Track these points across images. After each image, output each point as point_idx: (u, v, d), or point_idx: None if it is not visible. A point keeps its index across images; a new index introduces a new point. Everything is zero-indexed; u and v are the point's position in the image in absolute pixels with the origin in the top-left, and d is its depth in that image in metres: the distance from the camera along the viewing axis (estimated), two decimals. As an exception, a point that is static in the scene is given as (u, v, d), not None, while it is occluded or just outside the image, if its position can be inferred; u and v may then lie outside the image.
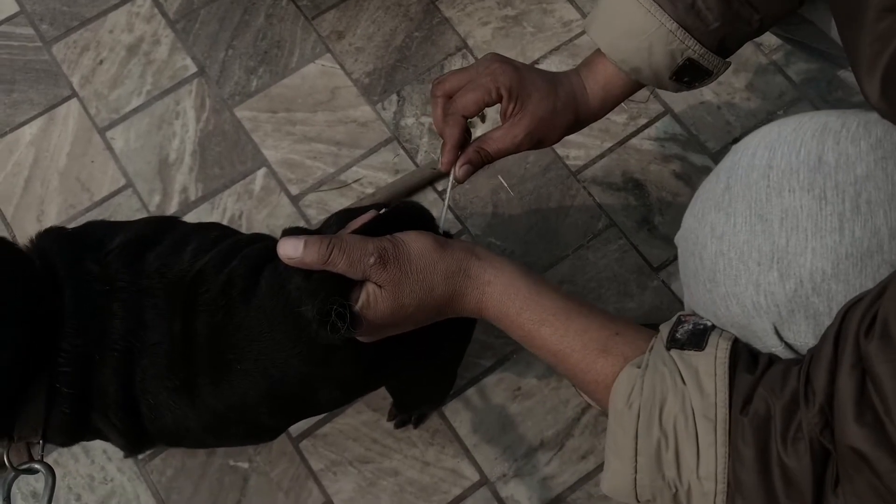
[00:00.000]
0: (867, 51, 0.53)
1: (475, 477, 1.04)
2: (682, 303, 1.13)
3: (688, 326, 0.59)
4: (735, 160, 0.57)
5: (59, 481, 1.05)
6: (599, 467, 1.04)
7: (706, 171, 1.18)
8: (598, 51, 0.81)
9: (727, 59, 0.80)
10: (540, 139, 0.78)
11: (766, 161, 0.54)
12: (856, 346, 0.47)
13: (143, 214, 1.18)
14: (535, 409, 1.07)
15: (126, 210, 1.18)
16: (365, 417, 1.07)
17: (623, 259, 1.14)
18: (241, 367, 0.66)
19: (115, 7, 1.30)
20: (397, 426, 1.06)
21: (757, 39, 1.26)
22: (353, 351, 0.67)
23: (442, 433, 1.06)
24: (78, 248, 0.65)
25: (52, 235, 0.67)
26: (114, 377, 0.63)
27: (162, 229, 0.70)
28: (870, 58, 0.52)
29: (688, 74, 0.79)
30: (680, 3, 0.74)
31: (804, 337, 0.54)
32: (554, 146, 1.20)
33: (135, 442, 0.68)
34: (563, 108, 0.78)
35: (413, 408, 1.04)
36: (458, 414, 1.07)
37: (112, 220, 1.16)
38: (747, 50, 1.23)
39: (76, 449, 1.07)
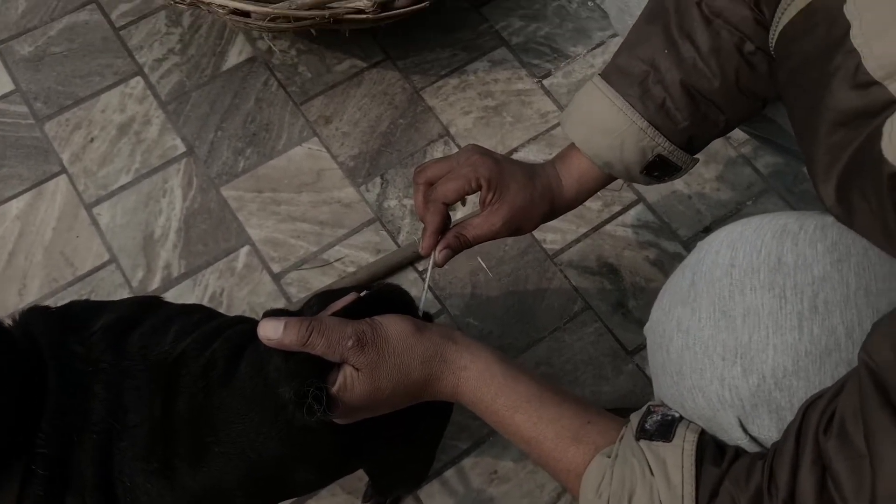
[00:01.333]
0: (822, 160, 0.57)
1: (450, 562, 1.03)
2: (656, 387, 1.15)
3: (657, 417, 0.60)
4: (700, 257, 0.60)
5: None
6: (575, 554, 1.04)
7: (678, 258, 1.22)
8: (573, 145, 0.85)
9: (695, 156, 0.85)
10: (517, 227, 0.81)
11: (729, 259, 0.57)
12: (815, 444, 0.49)
13: (125, 290, 1.19)
14: (512, 493, 1.07)
15: (108, 285, 1.20)
16: (339, 500, 1.06)
17: (598, 342, 1.16)
18: (219, 449, 0.66)
19: (109, 88, 1.34)
20: (373, 506, 1.05)
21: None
22: (330, 433, 0.68)
23: (417, 517, 1.06)
24: (62, 327, 0.66)
25: (37, 314, 0.68)
26: (92, 459, 0.63)
27: (145, 310, 0.71)
28: (824, 166, 0.56)
29: (658, 169, 0.83)
30: (650, 103, 0.79)
31: (768, 431, 0.56)
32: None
33: None
34: (539, 198, 0.82)
35: (390, 490, 1.04)
36: (433, 498, 1.07)
37: (94, 295, 1.19)
38: (717, 143, 1.29)
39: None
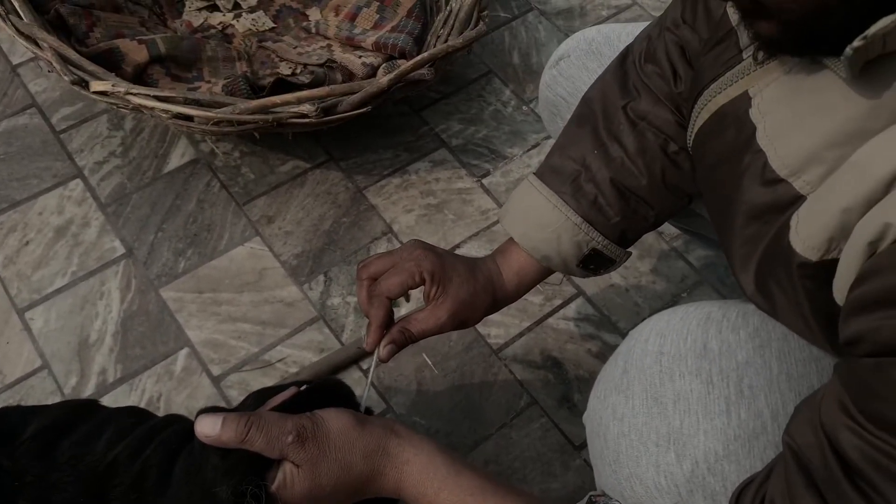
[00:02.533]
0: (739, 251, 0.60)
1: None
2: (604, 481, 1.14)
3: (598, 508, 0.60)
4: (630, 346, 0.61)
5: None
6: None
7: (620, 349, 1.23)
8: (511, 239, 0.87)
9: (628, 249, 0.88)
10: (462, 320, 0.82)
11: (658, 347, 0.59)
12: None
13: (57, 397, 1.15)
14: None
15: (39, 392, 1.15)
16: None
17: (545, 437, 1.16)
18: None
19: (47, 190, 1.34)
20: None
21: (659, 228, 1.38)
22: None
23: None
24: None
25: None
26: None
27: (78, 416, 0.69)
28: (742, 258, 0.59)
29: (593, 262, 0.86)
30: (583, 199, 0.82)
31: (705, 517, 0.56)
32: (476, 325, 1.24)
33: None
34: (482, 291, 0.83)
35: None
36: None
37: (23, 402, 1.14)
38: (650, 238, 1.34)
39: None
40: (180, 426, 0.69)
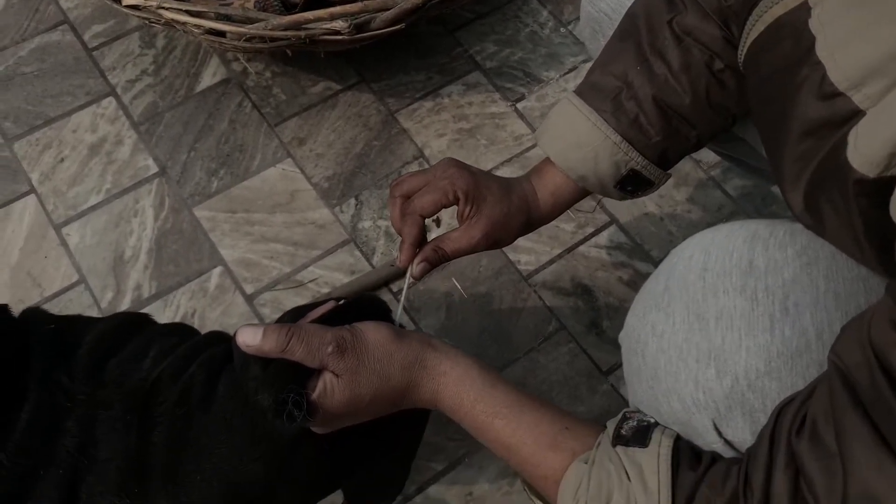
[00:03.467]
0: (790, 169, 0.58)
1: (424, 586, 1.01)
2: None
3: (632, 423, 0.60)
4: (673, 263, 0.61)
5: None
6: (551, 576, 1.02)
7: (651, 278, 1.23)
8: (548, 159, 0.86)
9: (668, 171, 0.86)
10: (496, 240, 0.81)
11: (702, 264, 0.58)
12: (788, 446, 0.49)
13: (94, 311, 1.17)
14: (487, 515, 1.06)
15: (77, 306, 1.17)
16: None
17: (573, 362, 1.16)
18: (200, 477, 0.64)
19: (81, 108, 1.33)
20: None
21: (696, 156, 1.35)
22: (314, 448, 0.67)
23: (391, 540, 1.04)
24: (55, 350, 0.64)
25: (37, 321, 0.66)
26: (55, 493, 0.61)
27: (129, 331, 0.70)
28: (792, 176, 0.58)
29: (631, 184, 0.84)
30: (623, 118, 0.80)
31: (742, 433, 0.56)
32: (506, 251, 1.24)
33: None
34: (516, 211, 0.82)
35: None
36: (408, 519, 1.05)
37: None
38: (687, 165, 1.31)
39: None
40: (222, 347, 0.69)
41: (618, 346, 1.18)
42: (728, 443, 0.56)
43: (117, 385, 0.64)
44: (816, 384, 0.50)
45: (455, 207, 0.82)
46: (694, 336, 0.56)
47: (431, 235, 0.89)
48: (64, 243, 1.22)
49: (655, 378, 0.58)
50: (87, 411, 0.63)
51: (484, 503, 1.07)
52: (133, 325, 0.71)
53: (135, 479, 0.63)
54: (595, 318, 1.19)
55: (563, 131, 0.83)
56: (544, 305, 1.20)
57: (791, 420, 0.50)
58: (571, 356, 1.17)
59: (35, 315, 0.68)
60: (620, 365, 1.18)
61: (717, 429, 0.56)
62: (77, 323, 0.69)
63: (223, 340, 0.72)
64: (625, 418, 0.61)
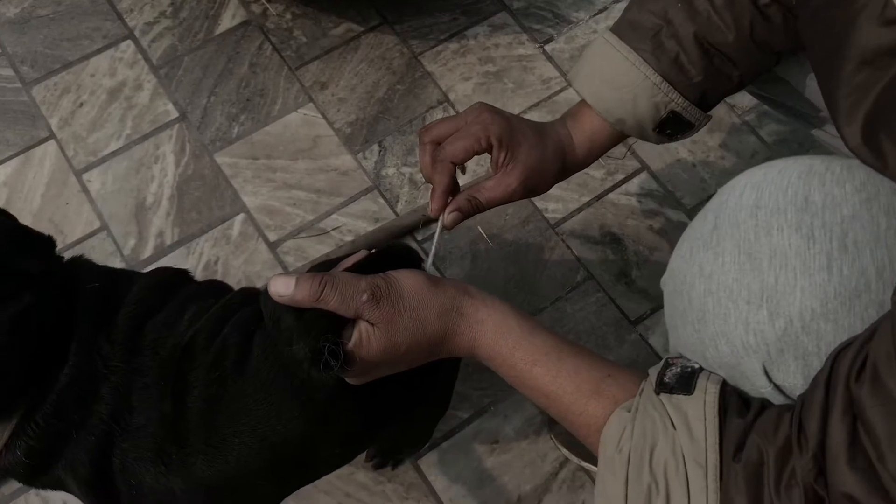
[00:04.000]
0: (845, 101, 0.54)
1: (451, 533, 1.01)
2: (659, 356, 1.13)
3: (675, 370, 0.58)
4: (723, 200, 0.58)
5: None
6: (578, 524, 1.02)
7: (682, 226, 1.20)
8: (584, 101, 0.82)
9: (708, 113, 0.82)
10: (532, 188, 0.78)
11: (754, 201, 0.55)
12: (846, 391, 0.47)
13: (116, 258, 1.16)
14: (513, 463, 1.05)
15: (100, 253, 1.16)
16: (338, 470, 1.04)
17: (601, 312, 1.14)
18: (239, 440, 0.64)
19: (99, 52, 1.31)
20: (375, 467, 1.03)
21: (730, 100, 1.30)
22: (352, 401, 0.66)
23: (417, 487, 1.03)
24: (98, 312, 0.64)
25: (84, 282, 0.64)
26: (86, 458, 0.61)
27: (167, 291, 0.69)
28: (848, 108, 0.54)
29: (670, 126, 0.81)
30: (664, 57, 0.76)
31: (793, 378, 0.54)
32: (532, 199, 1.21)
33: None
34: (552, 156, 0.79)
35: (395, 452, 1.02)
36: (433, 467, 1.05)
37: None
38: (721, 110, 1.27)
39: (34, 500, 1.02)
40: (255, 306, 0.68)
41: (647, 296, 1.17)
42: (778, 388, 0.54)
43: (152, 351, 0.64)
44: (877, 326, 0.47)
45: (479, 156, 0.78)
46: (745, 276, 0.53)
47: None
48: (85, 189, 1.21)
49: (702, 321, 0.56)
50: (123, 378, 0.62)
51: (509, 451, 1.06)
52: (170, 284, 0.70)
53: (171, 445, 0.63)
54: (624, 268, 1.17)
55: (600, 72, 0.80)
56: (572, 254, 1.18)
57: (850, 364, 0.47)
58: (599, 306, 1.15)
59: (82, 268, 0.67)
60: (649, 315, 1.16)
61: (766, 373, 0.54)
62: (119, 281, 0.68)
63: (255, 298, 0.70)
64: (667, 365, 0.59)
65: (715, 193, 0.61)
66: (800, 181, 0.54)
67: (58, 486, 0.65)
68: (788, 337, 0.52)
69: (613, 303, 1.15)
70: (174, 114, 1.26)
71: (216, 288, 0.73)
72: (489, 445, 1.06)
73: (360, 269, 0.64)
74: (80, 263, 0.68)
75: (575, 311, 1.14)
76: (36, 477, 0.64)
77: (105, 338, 0.62)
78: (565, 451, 1.05)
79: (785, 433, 0.50)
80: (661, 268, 1.17)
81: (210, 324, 0.65)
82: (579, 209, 1.21)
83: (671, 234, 1.19)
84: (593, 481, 1.04)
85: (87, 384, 0.61)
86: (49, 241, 0.66)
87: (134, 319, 0.64)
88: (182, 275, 0.74)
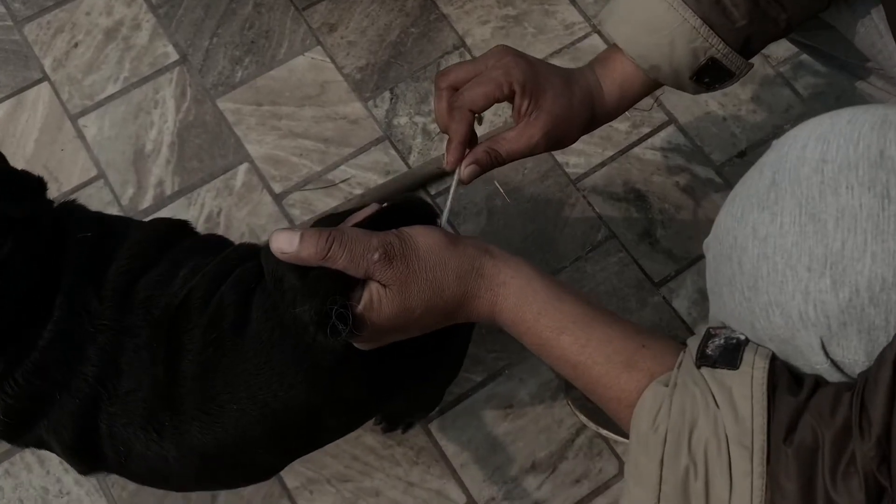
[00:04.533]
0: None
1: (462, 499, 0.98)
2: (682, 320, 1.08)
3: (719, 341, 0.53)
4: (782, 153, 0.51)
5: (10, 493, 0.97)
6: (594, 493, 0.98)
7: (710, 183, 1.13)
8: (615, 46, 0.76)
9: (750, 61, 0.76)
10: (557, 139, 0.72)
11: (820, 154, 0.49)
12: None
13: (114, 208, 1.11)
14: (527, 429, 1.01)
15: (97, 202, 1.11)
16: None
17: (623, 273, 1.09)
18: (237, 406, 0.60)
19: (94, -11, 1.23)
20: (385, 430, 0.99)
21: (765, 50, 1.22)
22: (359, 367, 0.61)
23: (427, 451, 1.00)
24: (88, 264, 0.59)
25: (74, 231, 0.59)
26: (70, 421, 0.57)
27: (164, 244, 0.64)
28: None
29: (709, 75, 0.74)
30: (704, -3, 0.70)
31: (854, 353, 0.48)
32: (553, 152, 1.15)
33: (89, 470, 0.61)
34: (579, 105, 0.73)
35: (404, 416, 0.98)
36: (444, 432, 1.01)
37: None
38: (754, 61, 1.19)
39: (30, 458, 0.98)
40: (254, 263, 0.62)
41: (671, 257, 1.12)
42: (835, 364, 0.49)
43: (144, 310, 0.59)
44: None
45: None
46: (807, 240, 0.48)
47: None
48: (81, 135, 1.15)
49: (754, 289, 0.50)
50: (112, 339, 0.58)
51: (524, 416, 1.02)
52: (168, 236, 0.65)
53: (163, 411, 0.59)
54: (648, 227, 1.11)
55: (634, 13, 0.73)
56: (593, 211, 1.12)
57: (923, 341, 0.42)
58: (621, 266, 1.09)
59: (74, 214, 0.61)
60: (673, 276, 1.11)
61: (823, 348, 0.48)
62: (113, 231, 0.62)
63: (256, 254, 0.64)
64: (710, 335, 0.53)
65: (771, 146, 0.54)
66: (873, 133, 0.48)
67: (41, 446, 0.61)
68: (853, 309, 0.47)
69: (636, 263, 1.09)
70: (174, 56, 1.19)
71: (216, 243, 0.68)
72: (503, 410, 1.02)
73: (372, 224, 0.59)
74: (72, 209, 0.63)
75: (595, 272, 1.09)
76: (17, 436, 0.60)
77: (94, 293, 0.57)
78: (582, 418, 1.01)
79: (844, 414, 0.45)
80: (688, 227, 1.11)
81: (206, 281, 0.60)
82: (602, 164, 1.15)
83: (698, 191, 1.13)
84: (611, 449, 1.00)
85: (71, 343, 0.56)
86: (38, 183, 0.61)
87: (126, 275, 0.60)
88: (181, 227, 0.69)
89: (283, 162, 1.14)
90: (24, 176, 0.61)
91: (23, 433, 0.59)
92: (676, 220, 1.11)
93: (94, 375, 0.57)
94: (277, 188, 1.12)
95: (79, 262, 0.58)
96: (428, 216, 0.66)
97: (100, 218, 0.64)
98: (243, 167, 1.13)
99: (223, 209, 1.11)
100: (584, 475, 0.99)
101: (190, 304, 0.59)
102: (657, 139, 1.16)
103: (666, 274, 1.09)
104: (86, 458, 0.60)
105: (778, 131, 1.17)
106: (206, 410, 0.59)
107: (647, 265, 1.09)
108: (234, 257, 0.63)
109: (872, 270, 0.46)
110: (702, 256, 1.08)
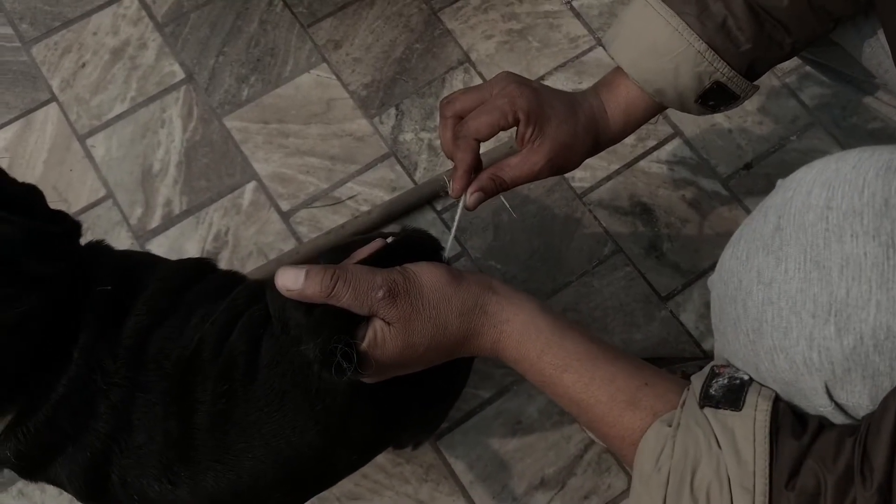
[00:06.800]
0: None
1: (471, 517, 0.98)
2: (690, 334, 1.08)
3: (722, 381, 0.53)
4: (787, 197, 0.52)
5: (24, 514, 0.98)
6: (603, 509, 0.99)
7: (717, 196, 1.13)
8: (619, 70, 0.76)
9: (755, 83, 0.76)
10: (561, 166, 0.72)
11: (825, 201, 0.49)
12: None
13: (122, 228, 1.11)
14: (536, 445, 1.01)
15: (105, 222, 1.12)
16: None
17: (630, 287, 1.09)
18: (251, 454, 0.60)
19: (100, 8, 1.24)
20: (395, 448, 1.00)
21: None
22: (370, 407, 0.62)
23: (437, 469, 1.00)
24: (106, 318, 0.59)
25: (97, 280, 0.60)
26: (80, 472, 0.58)
27: (182, 289, 0.64)
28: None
29: (714, 98, 0.75)
30: (709, 22, 0.70)
31: (858, 398, 0.49)
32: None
33: None
34: (583, 131, 0.73)
35: (415, 436, 0.98)
36: (454, 448, 1.01)
37: (90, 233, 1.10)
38: (760, 72, 1.19)
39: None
40: (261, 305, 0.63)
41: (678, 270, 1.12)
42: (840, 406, 0.49)
43: (156, 365, 0.59)
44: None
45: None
46: (811, 287, 0.48)
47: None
48: (89, 155, 1.15)
49: (758, 332, 0.50)
50: (124, 395, 0.58)
51: (533, 432, 1.02)
52: (187, 282, 0.65)
53: (177, 463, 0.59)
54: (654, 240, 1.11)
55: (639, 37, 0.73)
56: (599, 225, 1.12)
57: (927, 389, 0.42)
58: (628, 281, 1.09)
59: (99, 260, 0.62)
60: (680, 290, 1.11)
61: (828, 392, 0.49)
62: (136, 276, 0.62)
63: (262, 296, 0.64)
64: (713, 374, 0.54)
65: (776, 187, 0.55)
66: (878, 180, 0.48)
67: (56, 485, 0.62)
68: (857, 356, 0.47)
69: (643, 277, 1.10)
70: (181, 75, 1.20)
71: (229, 282, 0.68)
72: (511, 426, 1.02)
73: (376, 260, 0.59)
74: (99, 253, 0.63)
75: (602, 286, 1.09)
76: (30, 477, 0.60)
77: (108, 351, 0.58)
78: (591, 433, 1.01)
79: (846, 460, 0.46)
80: (694, 240, 1.12)
81: (216, 329, 0.60)
82: (608, 178, 1.15)
83: (705, 204, 1.13)
84: (620, 465, 1.00)
85: (83, 399, 0.57)
86: (73, 227, 0.61)
87: (140, 333, 0.60)
88: (202, 266, 0.69)
89: (290, 180, 1.14)
90: (60, 219, 0.62)
91: (35, 476, 0.60)
92: (683, 234, 1.11)
93: (104, 431, 0.57)
94: (285, 206, 1.13)
95: (95, 319, 0.59)
96: (433, 249, 0.66)
97: (122, 265, 0.63)
98: (250, 185, 1.14)
99: (231, 228, 1.12)
100: (593, 491, 1.00)
101: (201, 355, 0.60)
102: (663, 152, 1.16)
103: (673, 288, 1.09)
104: (99, 501, 0.60)
105: (784, 142, 1.17)
106: (221, 460, 0.60)
107: (654, 279, 1.09)
108: (242, 301, 0.63)
109: (877, 319, 0.46)
110: (709, 269, 1.09)
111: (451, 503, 0.99)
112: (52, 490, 0.99)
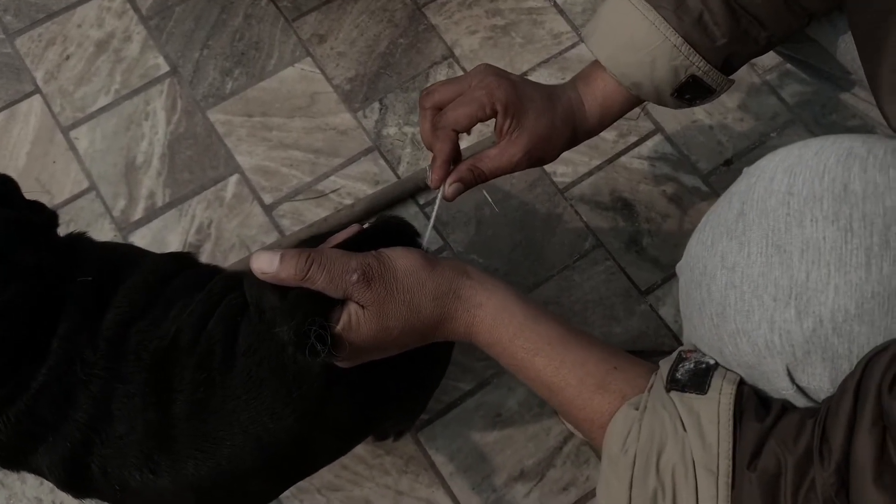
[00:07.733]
0: (890, 76, 0.49)
1: (450, 508, 0.99)
2: (669, 328, 1.09)
3: (689, 365, 0.54)
4: (750, 184, 0.52)
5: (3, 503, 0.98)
6: (581, 500, 1.00)
7: (697, 192, 1.14)
8: (597, 63, 0.77)
9: (730, 77, 0.77)
10: (539, 157, 0.73)
11: (786, 187, 0.50)
12: (877, 402, 0.43)
13: (105, 220, 1.12)
14: (516, 437, 1.02)
15: (88, 214, 1.12)
16: (335, 442, 1.01)
17: (610, 281, 1.10)
18: (230, 441, 0.60)
19: (85, 0, 1.24)
20: (376, 439, 1.00)
21: (751, 59, 1.23)
22: (347, 393, 0.62)
23: (416, 460, 1.01)
24: (86, 310, 0.59)
25: (79, 269, 0.60)
26: (61, 462, 0.58)
27: (163, 283, 0.64)
28: (893, 84, 0.49)
29: (690, 91, 0.76)
30: (686, 16, 0.71)
31: (819, 380, 0.49)
32: (543, 162, 1.16)
33: (85, 497, 0.63)
34: (561, 124, 0.74)
35: (395, 426, 0.99)
36: (434, 440, 1.02)
37: (73, 225, 1.11)
38: (741, 70, 1.20)
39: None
40: (238, 293, 0.63)
41: (658, 265, 1.13)
42: (801, 389, 0.50)
43: (135, 356, 0.60)
44: (917, 331, 0.43)
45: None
46: (772, 270, 0.49)
47: (462, 144, 0.81)
48: (72, 147, 1.16)
49: (722, 316, 0.51)
50: (104, 386, 0.59)
51: (512, 424, 1.03)
52: (168, 276, 0.65)
53: (158, 452, 0.60)
54: (635, 235, 1.12)
55: (616, 31, 0.74)
56: (581, 220, 1.13)
57: (883, 372, 0.43)
58: (608, 275, 1.10)
59: (80, 251, 0.62)
60: (660, 285, 1.12)
61: (790, 375, 0.50)
62: (116, 268, 0.63)
63: (240, 283, 0.64)
64: (680, 359, 0.54)
65: (742, 174, 0.55)
66: (838, 166, 0.49)
67: (38, 474, 0.62)
68: (817, 338, 0.48)
69: (623, 272, 1.10)
70: (165, 68, 1.20)
71: (208, 274, 0.68)
72: (491, 418, 1.03)
73: (352, 245, 0.60)
74: (80, 244, 0.63)
75: (583, 281, 1.10)
76: (10, 466, 0.61)
77: (88, 342, 0.58)
78: (570, 426, 1.02)
79: (806, 442, 0.46)
80: (674, 236, 1.12)
81: (193, 319, 0.61)
82: (589, 173, 1.16)
83: (685, 200, 1.14)
84: (598, 457, 1.01)
85: (63, 389, 0.57)
86: (50, 218, 0.62)
87: (120, 325, 0.60)
88: (182, 260, 0.69)
89: (273, 173, 1.14)
90: (37, 209, 0.62)
91: (16, 466, 0.60)
92: (663, 229, 1.12)
93: (84, 421, 0.58)
94: (268, 199, 1.13)
95: (76, 309, 0.59)
96: (409, 236, 0.67)
97: (103, 257, 0.64)
98: (234, 178, 1.14)
99: (214, 220, 1.12)
100: (572, 483, 1.00)
101: (178, 345, 0.60)
102: (644, 148, 1.17)
103: (653, 282, 1.10)
104: (81, 491, 0.61)
105: (764, 139, 1.18)
106: (201, 448, 0.60)
107: (634, 273, 1.10)
108: (218, 290, 0.63)
109: (836, 302, 0.47)
110: (689, 264, 1.10)
111: (430, 494, 0.99)
112: (32, 479, 0.99)
